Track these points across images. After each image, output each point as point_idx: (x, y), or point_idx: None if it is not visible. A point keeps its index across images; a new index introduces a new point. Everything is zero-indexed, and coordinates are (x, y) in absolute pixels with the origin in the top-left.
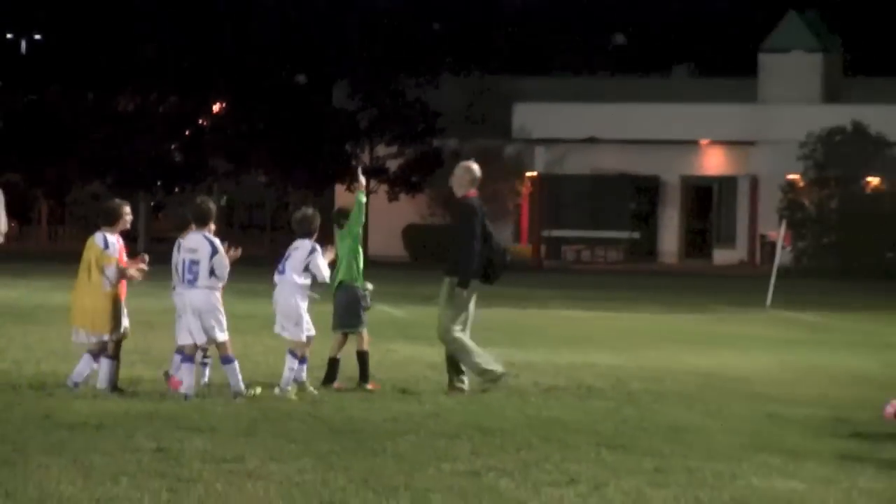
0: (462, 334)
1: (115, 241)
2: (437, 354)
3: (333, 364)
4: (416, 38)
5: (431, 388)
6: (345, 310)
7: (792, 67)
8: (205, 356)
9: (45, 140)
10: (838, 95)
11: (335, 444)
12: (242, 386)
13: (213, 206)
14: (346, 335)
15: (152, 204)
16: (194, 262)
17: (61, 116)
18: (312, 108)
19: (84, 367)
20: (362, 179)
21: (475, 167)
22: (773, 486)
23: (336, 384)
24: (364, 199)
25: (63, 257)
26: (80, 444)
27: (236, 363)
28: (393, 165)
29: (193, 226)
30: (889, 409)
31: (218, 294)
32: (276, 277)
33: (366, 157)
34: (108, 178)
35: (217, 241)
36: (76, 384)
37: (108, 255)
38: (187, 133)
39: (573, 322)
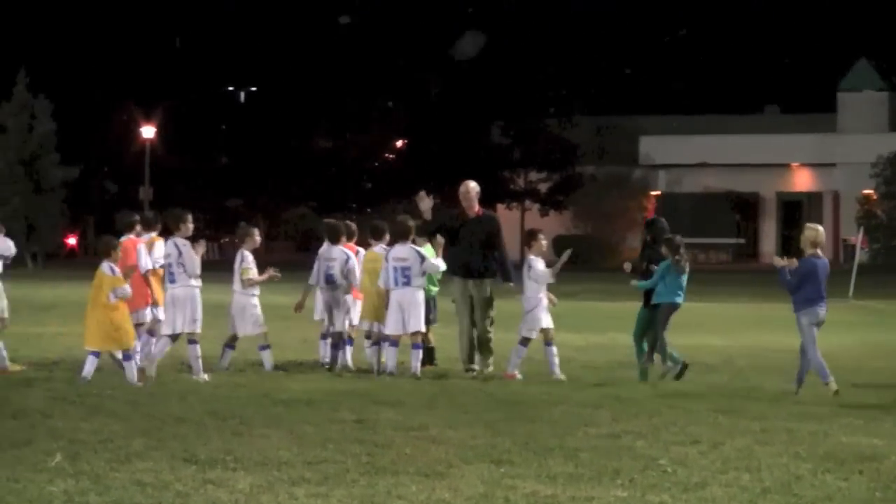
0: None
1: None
2: (583, 340)
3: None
4: (554, 86)
5: (577, 368)
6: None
7: (864, 104)
8: (350, 340)
9: (261, 173)
10: None
11: (500, 413)
12: (419, 366)
13: (411, 223)
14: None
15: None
16: (406, 268)
17: (274, 155)
18: (474, 144)
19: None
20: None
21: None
22: (858, 442)
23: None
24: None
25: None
26: (293, 416)
27: (420, 350)
28: (542, 188)
29: (389, 238)
30: None
31: (423, 292)
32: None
33: (520, 182)
34: (311, 203)
35: (423, 251)
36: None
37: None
38: (375, 165)
39: (690, 312)
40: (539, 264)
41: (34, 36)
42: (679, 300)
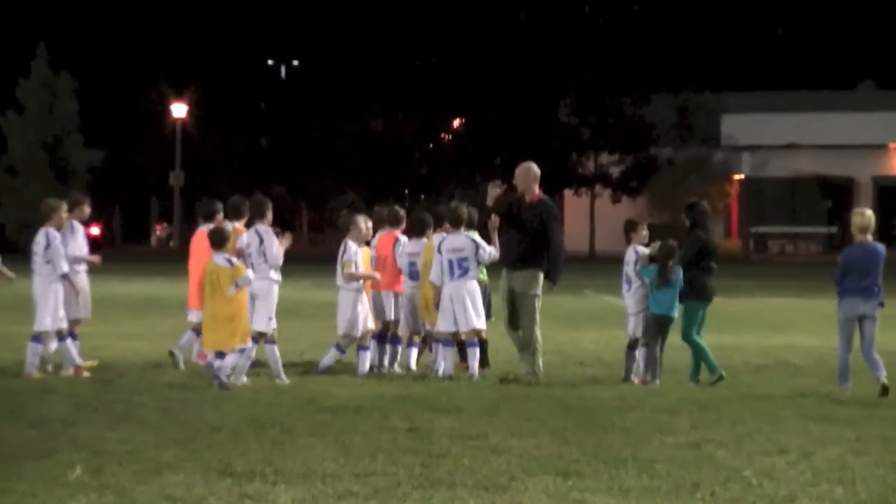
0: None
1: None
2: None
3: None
4: (630, 60)
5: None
6: None
7: None
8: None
9: (305, 157)
10: None
11: (568, 420)
12: (476, 367)
13: (465, 210)
14: None
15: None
16: (462, 259)
17: (321, 137)
18: (540, 124)
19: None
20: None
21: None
22: None
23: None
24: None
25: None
26: (340, 425)
27: (477, 349)
28: (615, 172)
29: (450, 227)
30: None
31: (476, 283)
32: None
33: (590, 165)
34: (361, 189)
35: (478, 238)
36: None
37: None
38: (430, 147)
39: (778, 308)
40: (645, 253)
41: (55, 7)
42: (674, 314)
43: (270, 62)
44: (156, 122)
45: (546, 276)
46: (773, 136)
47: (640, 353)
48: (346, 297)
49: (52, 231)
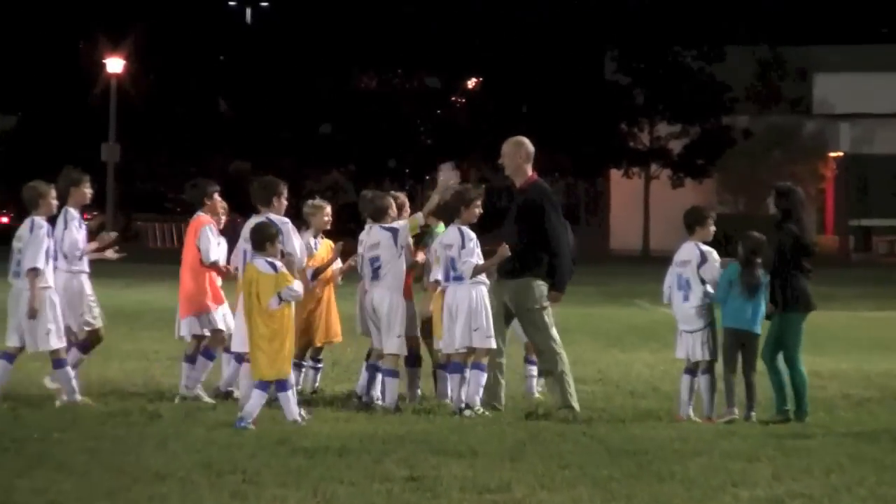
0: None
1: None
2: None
3: None
4: (698, 3)
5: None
6: None
7: None
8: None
9: (276, 125)
10: None
11: (614, 468)
12: (477, 400)
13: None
14: None
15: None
16: (374, 258)
17: (293, 97)
18: (580, 83)
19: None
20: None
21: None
22: None
23: None
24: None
25: None
26: (320, 472)
27: (483, 373)
28: (676, 147)
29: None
30: None
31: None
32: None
33: (644, 138)
34: (349, 167)
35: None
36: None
37: None
38: (438, 113)
39: (886, 324)
40: (716, 257)
41: None
42: (757, 329)
43: (232, 2)
44: (84, 80)
45: (552, 286)
46: (880, 103)
47: (702, 382)
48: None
49: (39, 220)
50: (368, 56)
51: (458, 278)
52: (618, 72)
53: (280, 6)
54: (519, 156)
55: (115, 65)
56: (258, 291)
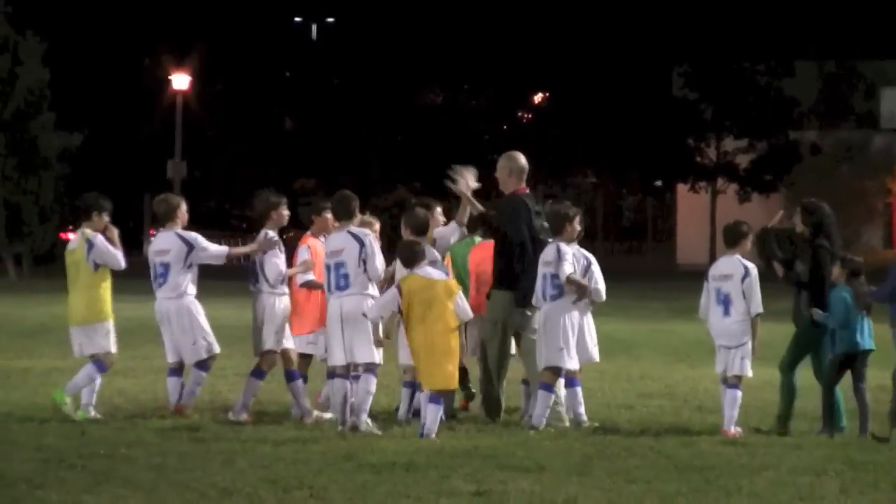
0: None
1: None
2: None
3: None
4: (765, 16)
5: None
6: None
7: None
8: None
9: (340, 141)
10: None
11: (682, 483)
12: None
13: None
14: None
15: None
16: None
17: (360, 116)
18: (647, 98)
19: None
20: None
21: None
22: None
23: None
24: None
25: None
26: (387, 487)
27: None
28: (743, 161)
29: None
30: None
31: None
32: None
33: (711, 153)
34: (414, 184)
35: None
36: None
37: None
38: (504, 129)
39: None
40: (756, 272)
41: None
42: (870, 345)
43: (298, 19)
44: (150, 98)
45: (516, 301)
46: None
47: (729, 395)
48: None
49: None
50: (434, 71)
51: (555, 296)
52: (685, 87)
53: (345, 22)
54: (505, 170)
55: (180, 81)
56: (429, 298)
